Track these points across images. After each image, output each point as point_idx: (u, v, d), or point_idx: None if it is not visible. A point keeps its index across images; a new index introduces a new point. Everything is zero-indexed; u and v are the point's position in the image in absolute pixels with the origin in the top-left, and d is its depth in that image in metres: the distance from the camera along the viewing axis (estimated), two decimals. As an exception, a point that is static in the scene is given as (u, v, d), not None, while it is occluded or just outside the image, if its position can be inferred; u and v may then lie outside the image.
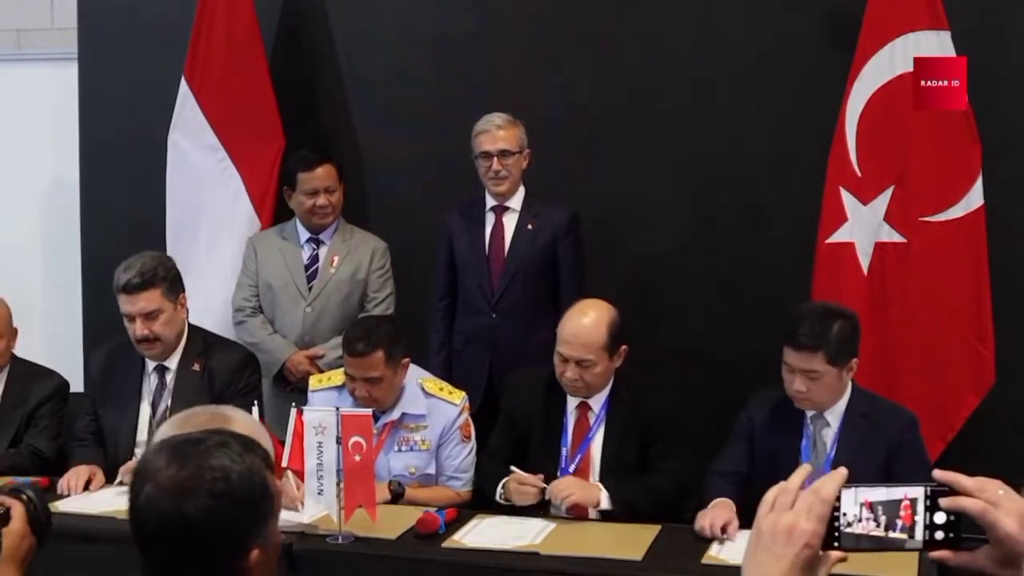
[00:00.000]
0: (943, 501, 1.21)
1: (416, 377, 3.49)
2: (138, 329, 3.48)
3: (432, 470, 3.44)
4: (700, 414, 3.84)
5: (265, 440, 1.86)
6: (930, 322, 3.85)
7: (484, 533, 2.99)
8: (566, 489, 3.09)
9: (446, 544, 2.92)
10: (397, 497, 3.28)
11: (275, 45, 4.65)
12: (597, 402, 3.31)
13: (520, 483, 3.16)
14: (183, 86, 4.47)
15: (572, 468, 3.28)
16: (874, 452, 3.00)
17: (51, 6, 5.12)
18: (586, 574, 2.79)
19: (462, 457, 3.45)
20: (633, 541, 2.93)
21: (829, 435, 3.11)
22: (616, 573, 2.79)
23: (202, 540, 1.49)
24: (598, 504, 3.11)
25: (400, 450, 3.42)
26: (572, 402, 3.33)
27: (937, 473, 1.24)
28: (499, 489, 3.22)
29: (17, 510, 1.81)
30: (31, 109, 5.14)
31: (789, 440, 3.11)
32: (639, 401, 3.29)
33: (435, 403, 3.45)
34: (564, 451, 3.31)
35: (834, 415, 3.11)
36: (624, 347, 3.30)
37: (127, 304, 3.49)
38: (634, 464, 3.26)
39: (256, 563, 1.53)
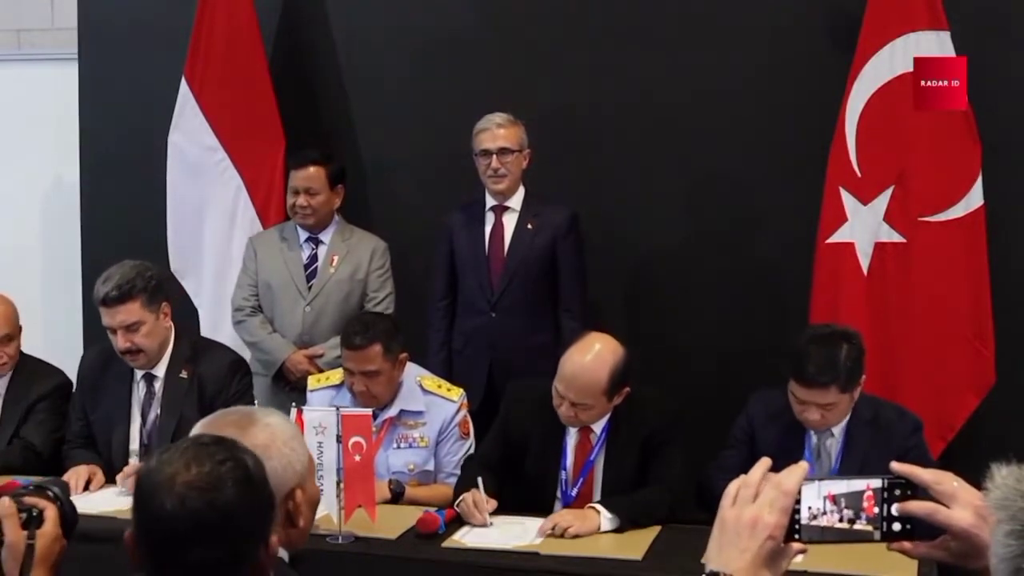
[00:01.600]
0: (895, 507, 1.22)
1: (415, 375, 3.49)
2: (120, 342, 3.45)
3: (431, 467, 3.44)
4: (700, 414, 3.84)
5: (288, 448, 1.80)
6: (930, 322, 3.85)
7: (484, 533, 2.99)
8: (566, 524, 2.95)
9: (446, 544, 2.92)
10: (397, 496, 3.28)
11: (275, 45, 4.65)
12: (599, 424, 3.21)
13: (474, 503, 3.04)
14: (183, 86, 4.48)
15: (575, 492, 3.20)
16: (881, 459, 2.96)
17: (51, 6, 5.12)
18: (586, 574, 2.79)
19: (461, 454, 3.44)
20: (633, 541, 2.94)
21: (834, 445, 3.09)
22: (616, 573, 2.79)
23: (236, 531, 1.48)
24: (599, 529, 2.99)
25: (399, 447, 3.42)
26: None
27: (894, 465, 1.25)
28: (460, 501, 3.10)
29: (50, 512, 1.79)
30: (31, 109, 5.14)
31: (791, 450, 3.07)
32: (641, 416, 3.19)
33: (433, 400, 3.46)
34: (564, 474, 3.22)
35: (838, 425, 3.09)
36: (626, 389, 3.15)
37: (107, 317, 3.46)
38: (636, 480, 3.17)
39: (272, 552, 1.53)
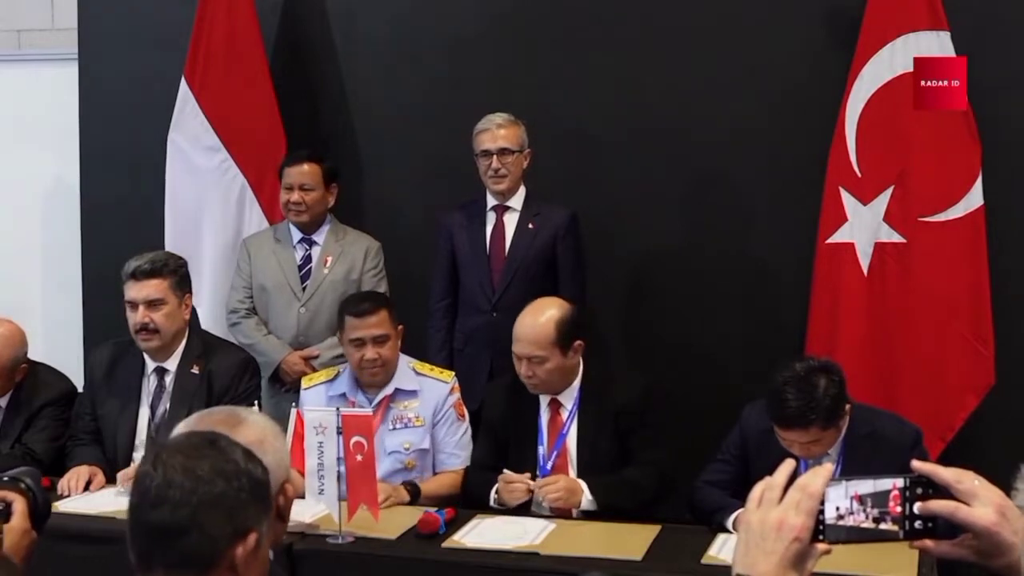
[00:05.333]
0: (917, 505, 1.22)
1: (406, 360, 3.58)
2: (139, 316, 3.49)
3: (426, 445, 3.49)
4: (699, 414, 3.85)
5: (279, 442, 1.85)
6: (930, 322, 3.85)
7: (484, 533, 2.99)
8: (554, 489, 3.14)
9: (446, 544, 2.92)
10: (415, 497, 3.32)
11: (275, 45, 4.65)
12: (568, 398, 3.36)
13: (508, 482, 3.19)
14: (183, 87, 4.47)
15: (549, 465, 3.31)
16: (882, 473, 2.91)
17: (51, 6, 5.12)
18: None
19: (459, 435, 3.53)
20: (633, 541, 2.93)
21: (829, 463, 3.05)
22: (616, 573, 2.79)
23: (202, 499, 1.48)
24: (579, 505, 3.16)
25: (395, 428, 3.48)
26: (544, 401, 3.37)
27: (915, 464, 1.25)
28: (492, 494, 3.24)
29: (19, 505, 1.75)
30: (31, 109, 5.14)
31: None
32: (608, 391, 3.33)
33: (426, 381, 3.55)
34: (541, 450, 3.34)
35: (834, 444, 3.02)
36: (579, 342, 3.32)
37: (133, 290, 3.51)
38: (611, 454, 3.30)
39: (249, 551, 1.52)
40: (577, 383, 3.36)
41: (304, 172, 4.10)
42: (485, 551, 2.88)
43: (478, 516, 3.13)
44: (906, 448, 2.99)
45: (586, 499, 3.17)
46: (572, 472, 3.30)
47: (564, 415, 3.35)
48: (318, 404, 3.43)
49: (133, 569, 1.51)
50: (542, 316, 3.29)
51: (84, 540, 2.99)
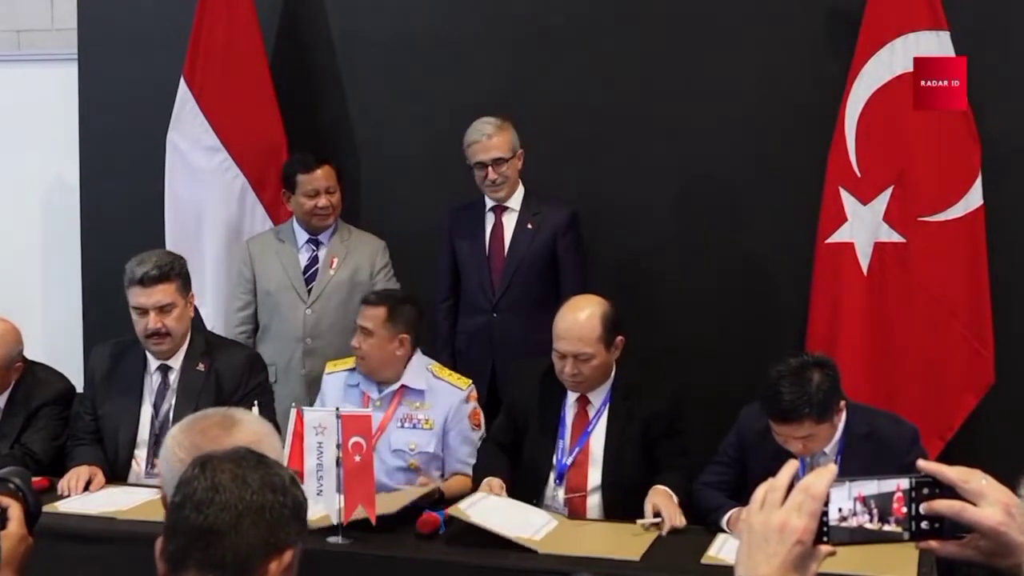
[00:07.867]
0: (923, 506, 1.22)
1: (426, 362, 3.59)
2: (151, 323, 3.46)
3: (432, 448, 3.49)
4: (700, 414, 3.84)
5: (275, 440, 1.87)
6: (929, 322, 3.85)
7: (488, 511, 3.00)
8: (677, 522, 3.03)
9: (450, 511, 2.95)
10: (440, 500, 3.30)
11: (275, 45, 4.65)
12: (597, 396, 3.34)
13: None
14: (182, 87, 4.46)
15: (569, 460, 3.31)
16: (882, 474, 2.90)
17: (51, 6, 5.12)
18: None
19: (474, 444, 3.53)
20: (633, 541, 2.94)
21: (827, 463, 3.05)
22: (616, 573, 2.80)
23: (247, 506, 1.48)
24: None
25: (403, 426, 3.49)
26: (571, 396, 3.37)
27: (921, 464, 1.24)
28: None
29: (14, 510, 1.74)
30: (31, 109, 5.14)
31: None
32: (640, 396, 3.32)
33: (440, 385, 3.54)
34: (561, 443, 3.34)
35: (830, 444, 3.02)
36: (620, 338, 3.31)
37: (141, 297, 3.46)
38: (636, 458, 3.29)
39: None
40: (609, 383, 3.35)
41: (325, 175, 4.10)
42: (485, 551, 2.87)
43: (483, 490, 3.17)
44: (904, 447, 3.00)
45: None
46: (592, 469, 3.29)
47: (591, 413, 3.35)
48: (336, 390, 3.54)
49: (162, 570, 1.51)
50: (584, 312, 3.27)
51: (84, 540, 2.99)
